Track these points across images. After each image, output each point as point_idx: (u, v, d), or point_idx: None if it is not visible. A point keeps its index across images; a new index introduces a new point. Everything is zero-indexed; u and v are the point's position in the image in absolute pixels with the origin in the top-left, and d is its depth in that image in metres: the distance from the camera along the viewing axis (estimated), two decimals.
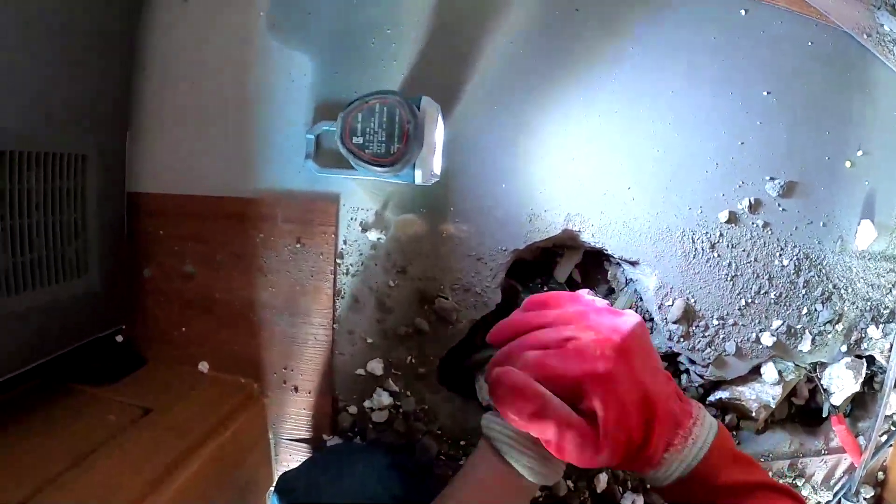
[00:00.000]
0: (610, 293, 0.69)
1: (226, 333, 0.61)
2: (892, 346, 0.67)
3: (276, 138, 0.57)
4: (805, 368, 0.72)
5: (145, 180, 0.59)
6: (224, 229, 0.59)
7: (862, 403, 0.77)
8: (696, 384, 0.69)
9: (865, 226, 0.63)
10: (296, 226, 0.58)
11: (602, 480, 0.64)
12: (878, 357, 0.70)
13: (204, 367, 0.62)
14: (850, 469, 0.74)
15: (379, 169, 0.41)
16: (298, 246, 0.59)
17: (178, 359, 0.62)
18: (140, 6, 0.55)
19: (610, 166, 0.58)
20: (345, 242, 0.58)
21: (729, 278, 0.62)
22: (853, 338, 0.67)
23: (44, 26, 0.43)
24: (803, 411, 0.80)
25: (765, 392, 0.67)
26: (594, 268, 0.70)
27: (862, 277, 0.66)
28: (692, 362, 0.66)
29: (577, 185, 0.58)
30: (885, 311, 0.68)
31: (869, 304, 0.67)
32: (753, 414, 0.69)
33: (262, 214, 0.58)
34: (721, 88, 0.58)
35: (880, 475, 0.77)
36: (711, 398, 0.69)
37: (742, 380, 0.68)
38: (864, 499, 0.75)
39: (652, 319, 0.65)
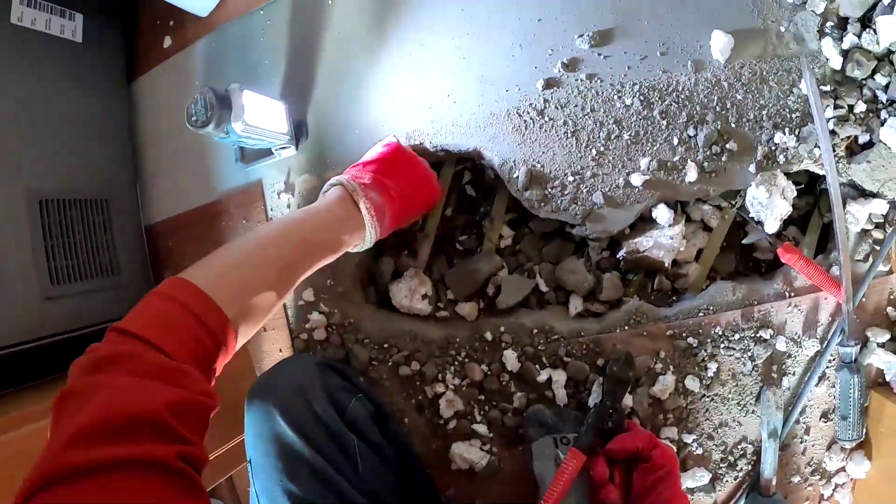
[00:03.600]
0: (493, 195, 0.76)
1: None
2: (821, 147, 0.60)
3: (219, 159, 0.84)
4: (728, 206, 0.67)
5: (154, 213, 0.90)
6: (204, 227, 0.85)
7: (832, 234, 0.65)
8: (596, 250, 0.70)
9: (717, 36, 0.61)
10: (241, 209, 0.82)
11: (511, 358, 0.68)
12: (811, 167, 0.62)
13: None
14: (838, 309, 0.62)
15: (207, 129, 0.62)
16: (244, 222, 0.82)
17: None
18: (128, 100, 0.90)
19: (429, 85, 0.71)
20: (271, 209, 0.80)
21: (570, 135, 0.66)
22: (759, 152, 0.62)
23: (74, 118, 0.79)
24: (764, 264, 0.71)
25: (663, 236, 0.65)
26: (481, 178, 0.79)
27: (739, 89, 0.62)
28: (571, 226, 0.68)
29: (409, 109, 0.72)
30: (791, 115, 0.62)
31: (763, 113, 0.62)
32: (666, 264, 0.67)
33: (223, 210, 0.84)
34: None
35: (891, 312, 0.62)
36: (619, 255, 0.68)
37: (637, 232, 0.67)
38: (879, 345, 0.61)
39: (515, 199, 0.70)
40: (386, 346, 0.74)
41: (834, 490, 0.66)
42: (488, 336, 0.69)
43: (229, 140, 0.66)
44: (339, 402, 0.59)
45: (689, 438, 0.66)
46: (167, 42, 0.88)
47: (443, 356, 0.71)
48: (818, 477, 0.66)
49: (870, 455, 0.63)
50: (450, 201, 0.78)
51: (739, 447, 0.66)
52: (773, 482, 0.63)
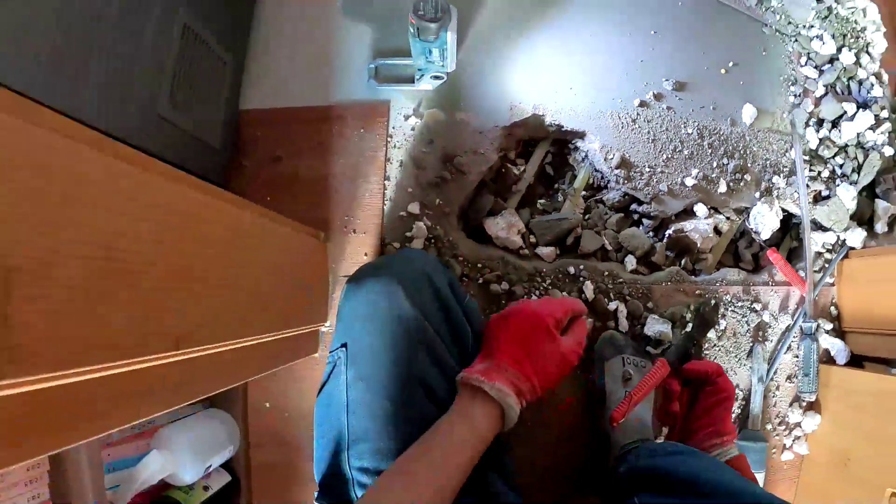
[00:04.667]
0: (573, 176, 0.96)
1: (303, 198, 0.88)
2: (799, 194, 0.93)
3: (347, 67, 0.92)
4: (735, 220, 0.96)
5: (250, 98, 0.91)
6: (307, 129, 0.89)
7: (798, 254, 0.98)
8: (647, 227, 0.93)
9: (748, 108, 0.94)
10: (360, 120, 0.89)
11: (589, 288, 0.84)
12: (790, 207, 0.95)
13: None
14: (801, 300, 0.92)
15: (431, 26, 0.73)
16: (362, 131, 0.89)
17: None
18: None
19: (559, 75, 0.92)
20: (393, 128, 0.89)
21: (650, 141, 0.91)
22: (763, 186, 0.93)
23: None
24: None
25: (701, 224, 0.91)
26: (561, 163, 0.99)
27: (756, 143, 0.95)
28: (639, 202, 0.90)
29: (540, 87, 0.91)
30: (783, 168, 0.95)
31: (768, 161, 0.94)
32: (699, 245, 0.92)
33: (336, 116, 0.90)
34: (626, 28, 0.94)
35: (833, 310, 0.94)
36: (667, 233, 0.92)
37: (681, 218, 0.92)
38: (826, 331, 0.91)
39: (604, 177, 0.92)
40: (479, 265, 0.84)
41: (794, 441, 0.90)
42: (570, 270, 0.85)
43: (425, 44, 0.77)
44: (459, 294, 0.61)
45: None
46: None
47: (530, 281, 0.84)
48: (783, 427, 0.90)
49: (819, 411, 0.89)
50: (535, 175, 0.96)
51: (735, 393, 0.88)
52: (760, 419, 0.86)
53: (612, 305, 0.84)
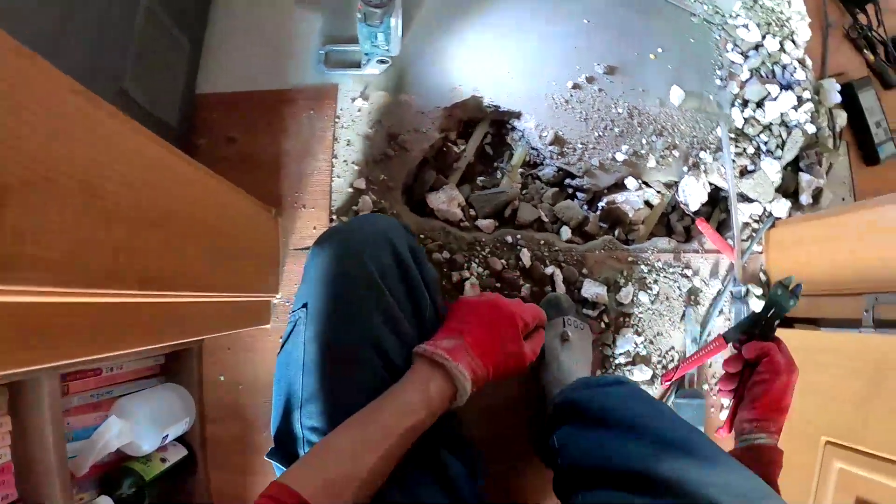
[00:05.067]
0: (511, 155, 1.02)
1: (256, 176, 0.92)
2: (725, 168, 0.99)
3: (300, 53, 0.98)
4: (665, 194, 1.01)
5: (208, 83, 0.96)
6: (260, 111, 0.95)
7: (727, 225, 1.03)
8: (581, 200, 0.98)
9: (675, 90, 1.01)
10: (311, 102, 0.95)
11: (526, 255, 0.88)
12: (717, 181, 1.01)
13: None
14: (731, 266, 0.97)
15: (377, 11, 0.80)
16: (312, 112, 0.95)
17: None
18: None
19: (498, 60, 0.98)
20: (341, 109, 0.95)
21: (583, 120, 0.97)
22: (690, 161, 0.99)
23: None
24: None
25: (632, 196, 0.96)
26: (500, 143, 1.05)
27: (684, 122, 1.01)
28: (572, 177, 0.96)
29: (479, 71, 0.97)
30: (710, 145, 1.01)
31: (695, 139, 1.00)
32: (631, 216, 0.97)
33: (288, 99, 0.95)
34: (560, 17, 1.00)
35: (762, 276, 0.99)
36: (600, 205, 0.97)
37: (613, 191, 0.98)
38: (756, 296, 0.96)
39: (539, 154, 0.98)
40: (422, 236, 0.89)
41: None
42: (508, 239, 0.90)
43: (371, 29, 0.83)
44: (420, 261, 0.60)
45: (638, 340, 0.90)
46: None
47: (470, 250, 0.89)
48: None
49: None
50: (474, 151, 1.02)
51: (670, 353, 0.92)
52: (695, 378, 0.90)
53: (549, 270, 0.88)
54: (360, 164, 0.92)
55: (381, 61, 0.93)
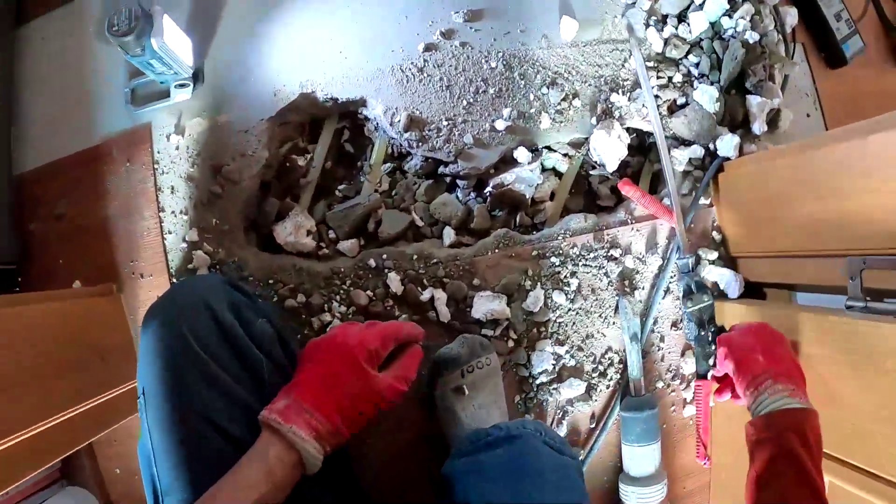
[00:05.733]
0: (371, 147, 0.83)
1: (90, 249, 0.80)
2: (647, 107, 0.75)
3: (106, 97, 0.83)
4: (575, 155, 0.79)
5: (24, 161, 0.84)
6: (79, 175, 0.81)
7: (662, 180, 0.80)
8: (465, 190, 0.78)
9: (566, 21, 0.77)
10: (125, 152, 0.80)
11: (395, 280, 0.71)
12: (640, 125, 0.77)
13: (77, 285, 0.79)
14: (672, 232, 0.75)
15: (127, 40, 0.64)
16: (128, 164, 0.80)
17: (62, 286, 0.80)
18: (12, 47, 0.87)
19: (325, 42, 0.78)
20: (158, 152, 0.79)
21: (444, 89, 0.76)
22: (599, 109, 0.76)
23: None
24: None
25: (524, 172, 0.75)
26: (360, 138, 0.85)
27: (583, 61, 0.77)
28: (445, 164, 0.76)
29: (305, 61, 0.78)
30: (624, 82, 0.77)
31: (602, 79, 0.77)
32: (531, 195, 0.76)
33: (103, 154, 0.81)
34: None
35: (716, 235, 0.76)
36: (487, 191, 0.77)
37: (501, 170, 0.77)
38: (711, 262, 0.74)
39: (397, 143, 0.78)
40: (271, 281, 0.74)
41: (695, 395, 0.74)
42: (372, 263, 0.72)
43: (139, 59, 0.68)
44: (246, 319, 0.55)
45: (561, 350, 0.72)
46: None
47: (328, 286, 0.73)
48: (679, 381, 0.74)
49: None
50: (329, 155, 0.83)
51: (607, 357, 0.73)
52: (642, 382, 0.70)
53: (426, 295, 0.70)
54: (188, 211, 0.77)
55: (181, 85, 0.77)
